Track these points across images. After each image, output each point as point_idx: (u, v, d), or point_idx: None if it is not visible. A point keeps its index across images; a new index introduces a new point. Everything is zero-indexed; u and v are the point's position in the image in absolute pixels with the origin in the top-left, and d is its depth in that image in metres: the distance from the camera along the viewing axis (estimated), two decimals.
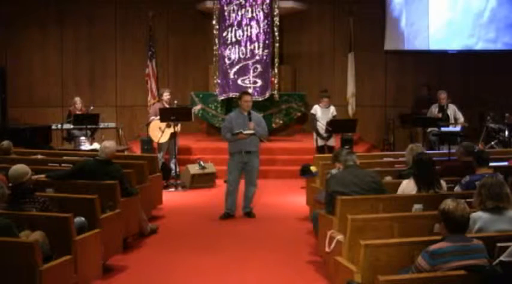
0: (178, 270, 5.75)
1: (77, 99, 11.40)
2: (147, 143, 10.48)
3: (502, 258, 3.67)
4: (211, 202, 8.56)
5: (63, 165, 7.29)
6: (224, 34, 11.79)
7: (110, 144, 6.43)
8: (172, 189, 9.57)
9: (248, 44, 11.76)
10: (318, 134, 9.86)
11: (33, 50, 13.54)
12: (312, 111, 10.18)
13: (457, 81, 13.18)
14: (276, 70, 12.00)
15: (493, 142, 11.02)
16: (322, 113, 10.02)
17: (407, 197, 5.23)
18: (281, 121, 12.29)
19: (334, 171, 6.07)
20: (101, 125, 11.52)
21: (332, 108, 10.17)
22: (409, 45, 13.59)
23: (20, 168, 4.93)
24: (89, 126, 10.69)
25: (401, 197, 5.30)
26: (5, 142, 7.66)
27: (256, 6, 11.77)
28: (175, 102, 10.37)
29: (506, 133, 10.85)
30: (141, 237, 6.76)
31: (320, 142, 9.93)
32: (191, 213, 8.22)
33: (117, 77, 13.84)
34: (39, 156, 8.00)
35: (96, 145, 9.78)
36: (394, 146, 12.77)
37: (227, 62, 11.79)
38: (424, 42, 13.47)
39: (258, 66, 11.72)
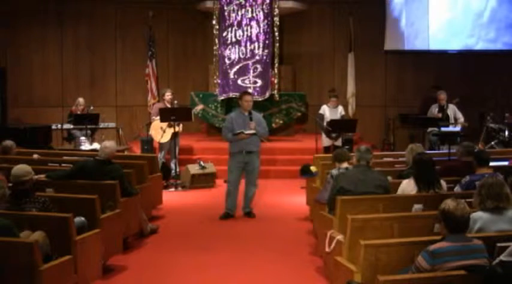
0: (178, 270, 5.75)
1: (81, 100, 11.41)
2: (147, 143, 10.48)
3: (502, 258, 3.67)
4: (211, 202, 8.56)
5: (63, 165, 7.29)
6: (224, 34, 11.80)
7: (110, 144, 6.43)
8: (172, 189, 9.57)
9: (248, 44, 11.77)
10: (327, 134, 9.83)
11: (33, 50, 13.53)
12: (320, 111, 10.20)
13: (457, 81, 13.18)
14: (276, 70, 12.01)
15: (493, 142, 11.01)
16: (331, 113, 10.02)
17: (407, 197, 5.23)
18: (281, 121, 12.29)
19: (334, 171, 6.08)
20: (101, 125, 11.54)
21: (340, 108, 10.19)
22: (409, 45, 13.59)
23: (23, 167, 4.93)
24: (89, 126, 10.69)
25: (401, 197, 5.30)
26: (8, 142, 7.64)
27: (256, 6, 11.77)
28: (176, 102, 10.37)
29: (506, 133, 10.85)
30: (141, 237, 6.76)
31: (327, 143, 9.93)
32: (191, 213, 8.22)
33: (117, 77, 13.84)
34: (35, 156, 7.99)
35: (96, 145, 9.78)
36: (394, 146, 12.77)
37: (227, 62, 11.79)
38: (424, 42, 13.47)
39: (258, 66, 11.73)
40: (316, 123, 10.38)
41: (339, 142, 9.92)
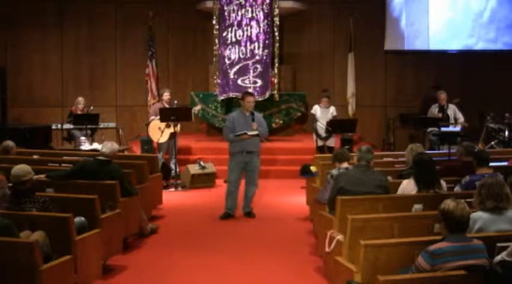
0: (178, 270, 5.75)
1: (81, 99, 11.40)
2: (147, 143, 10.48)
3: (501, 257, 3.68)
4: (211, 202, 8.56)
5: (63, 165, 7.29)
6: (224, 34, 11.79)
7: (111, 144, 6.44)
8: (172, 189, 9.57)
9: (248, 44, 11.77)
10: (317, 134, 9.88)
11: (33, 50, 13.53)
12: (312, 111, 10.22)
13: (457, 81, 13.18)
14: (276, 70, 12.01)
15: (493, 142, 11.01)
16: (322, 113, 10.04)
17: (407, 197, 5.23)
18: (281, 121, 12.30)
19: (334, 171, 6.08)
20: (101, 125, 11.54)
21: (332, 108, 10.18)
22: (409, 45, 13.59)
23: (22, 167, 4.94)
24: (89, 126, 10.70)
25: (401, 197, 5.30)
26: (9, 142, 7.64)
27: (256, 6, 11.77)
28: (175, 102, 10.38)
29: (506, 133, 10.84)
30: (141, 237, 6.76)
31: (319, 143, 9.95)
32: (191, 212, 8.22)
33: (117, 77, 13.84)
34: (35, 156, 7.99)
35: (96, 145, 9.78)
36: (394, 146, 12.77)
37: (227, 62, 11.79)
38: (424, 42, 13.47)
39: (258, 66, 11.72)
40: (310, 123, 10.42)
41: (331, 143, 9.93)
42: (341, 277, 4.47)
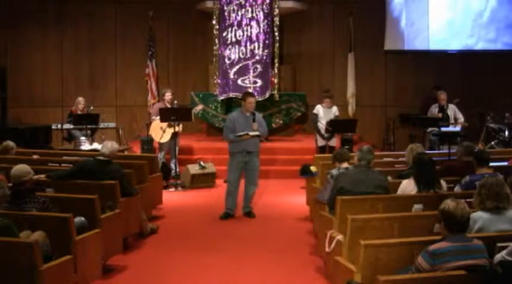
0: (178, 270, 5.75)
1: (81, 99, 11.39)
2: (147, 143, 10.48)
3: (502, 256, 3.68)
4: (211, 202, 8.57)
5: (63, 165, 7.29)
6: (224, 34, 11.79)
7: (111, 144, 6.45)
8: (172, 189, 9.57)
9: (248, 44, 11.76)
10: (320, 134, 9.88)
11: (33, 50, 13.52)
12: (314, 111, 10.22)
13: (457, 81, 13.18)
14: (276, 70, 12.00)
15: (493, 142, 11.01)
16: (324, 113, 10.04)
17: (407, 197, 5.23)
18: (281, 121, 12.30)
19: (334, 171, 6.08)
20: (101, 125, 11.54)
21: (335, 108, 10.19)
22: (409, 45, 13.59)
23: (22, 167, 4.93)
24: (89, 126, 10.69)
25: (401, 197, 5.30)
26: (9, 142, 7.64)
27: (256, 6, 11.77)
28: (175, 102, 10.38)
29: (506, 133, 10.85)
30: (141, 237, 6.76)
31: (321, 143, 9.96)
32: (191, 212, 8.22)
33: (117, 77, 13.83)
34: (35, 156, 7.99)
35: (96, 145, 9.78)
36: (394, 146, 12.77)
37: (227, 62, 11.78)
38: (424, 42, 13.47)
39: (258, 66, 11.72)
40: (311, 122, 10.41)
41: (332, 143, 9.93)
42: (341, 277, 4.47)
